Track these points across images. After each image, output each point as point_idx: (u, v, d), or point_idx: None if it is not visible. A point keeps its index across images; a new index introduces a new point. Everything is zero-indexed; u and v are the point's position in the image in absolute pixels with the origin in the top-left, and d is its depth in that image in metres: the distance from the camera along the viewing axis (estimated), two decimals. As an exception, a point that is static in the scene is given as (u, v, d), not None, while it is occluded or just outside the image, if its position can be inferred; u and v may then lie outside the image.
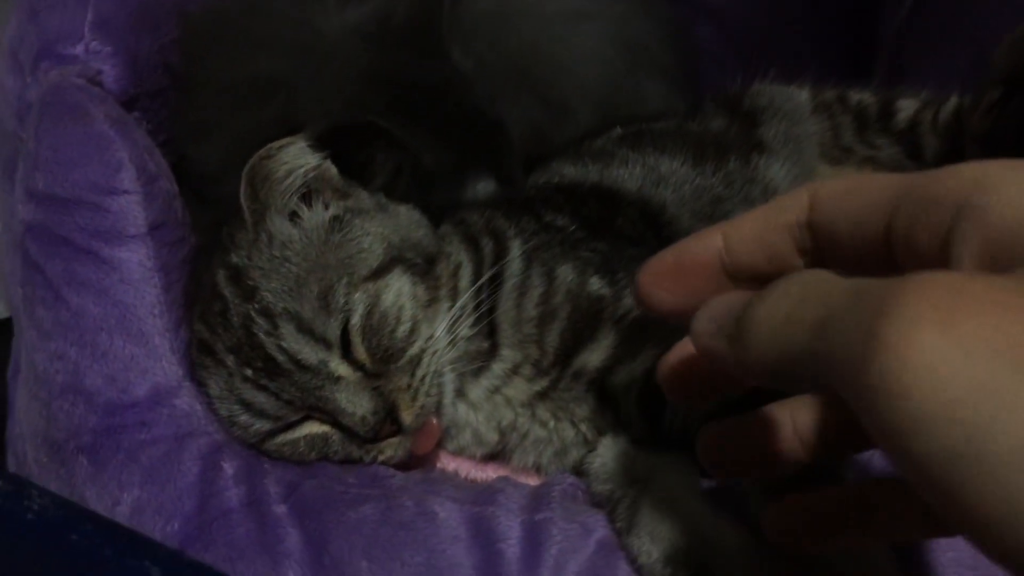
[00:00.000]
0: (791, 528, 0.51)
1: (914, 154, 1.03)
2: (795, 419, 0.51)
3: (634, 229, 0.88)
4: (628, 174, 0.95)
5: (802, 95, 1.09)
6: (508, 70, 1.01)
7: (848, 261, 0.42)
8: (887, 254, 0.41)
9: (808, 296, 0.37)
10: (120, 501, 0.69)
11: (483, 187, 0.94)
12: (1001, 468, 0.29)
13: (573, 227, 0.86)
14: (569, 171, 0.98)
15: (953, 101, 1.01)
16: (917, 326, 0.31)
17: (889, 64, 1.22)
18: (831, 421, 0.50)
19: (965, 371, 0.30)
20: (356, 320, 0.73)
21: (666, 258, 0.49)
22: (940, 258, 0.38)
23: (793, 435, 0.50)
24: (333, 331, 0.72)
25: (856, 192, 0.43)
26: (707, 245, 0.47)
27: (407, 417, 0.74)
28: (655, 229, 0.89)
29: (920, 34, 1.17)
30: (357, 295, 0.74)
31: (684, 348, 0.51)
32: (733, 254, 0.46)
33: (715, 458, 0.53)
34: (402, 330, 0.75)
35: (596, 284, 0.80)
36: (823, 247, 0.44)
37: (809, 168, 1.01)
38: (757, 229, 0.46)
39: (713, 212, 0.91)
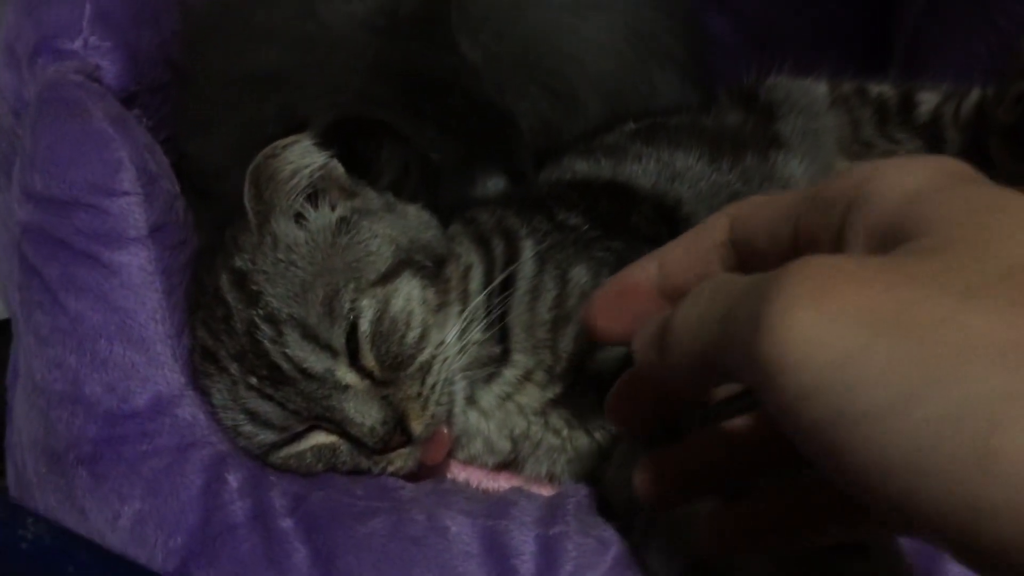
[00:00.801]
0: (732, 532, 0.52)
1: (936, 148, 1.00)
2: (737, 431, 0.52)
3: (649, 227, 0.86)
4: (642, 170, 0.92)
5: (820, 88, 1.06)
6: (516, 61, 0.99)
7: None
8: None
9: (716, 296, 0.41)
10: (121, 514, 0.67)
11: (493, 184, 0.91)
12: (869, 425, 0.31)
13: (587, 226, 0.83)
14: (581, 167, 0.95)
15: (975, 93, 0.98)
16: (794, 304, 0.34)
17: (906, 54, 1.19)
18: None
19: (835, 341, 0.33)
20: (365, 327, 0.71)
21: (609, 288, 0.53)
22: (838, 251, 0.41)
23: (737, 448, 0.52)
24: (339, 338, 0.70)
25: (767, 206, 0.47)
26: (644, 272, 0.51)
27: (417, 427, 0.71)
28: (671, 227, 0.86)
29: (939, 22, 1.14)
30: (365, 301, 0.71)
31: (626, 378, 0.55)
32: (667, 278, 0.50)
33: (659, 483, 0.54)
34: (412, 336, 0.73)
35: None
36: (746, 261, 0.48)
37: (827, 164, 0.98)
38: (687, 252, 0.50)
39: (731, 209, 0.89)
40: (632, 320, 0.50)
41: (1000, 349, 0.30)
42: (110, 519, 0.67)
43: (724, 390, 0.54)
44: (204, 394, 0.74)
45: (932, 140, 1.00)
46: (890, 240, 0.38)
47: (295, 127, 0.76)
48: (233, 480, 0.70)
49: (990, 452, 0.29)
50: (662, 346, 0.44)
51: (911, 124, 1.01)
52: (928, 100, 1.01)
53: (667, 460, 0.54)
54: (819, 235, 0.43)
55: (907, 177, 0.40)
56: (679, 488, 0.54)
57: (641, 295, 0.51)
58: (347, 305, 0.70)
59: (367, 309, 0.71)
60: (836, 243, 0.41)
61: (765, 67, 1.10)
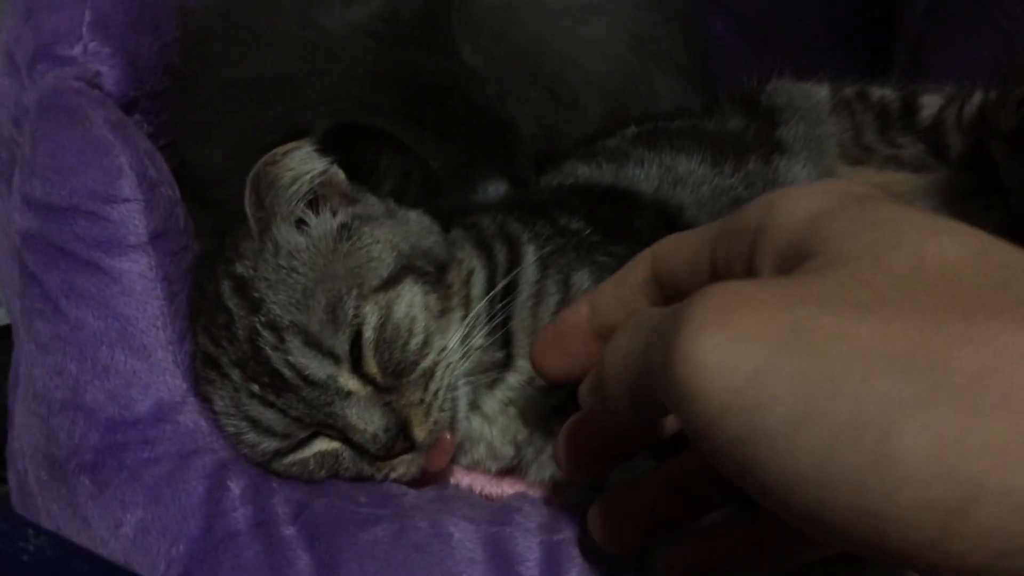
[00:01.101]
0: (701, 566, 0.54)
1: (938, 152, 0.99)
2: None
3: (652, 232, 0.85)
4: (644, 174, 0.92)
5: (821, 93, 1.05)
6: (516, 65, 0.98)
7: None
8: None
9: (636, 330, 0.43)
10: (123, 523, 0.67)
11: (494, 189, 0.91)
12: (776, 442, 0.33)
13: (588, 231, 0.83)
14: (583, 172, 0.95)
15: (978, 97, 0.98)
16: (700, 331, 0.36)
17: (909, 56, 1.19)
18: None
19: (739, 362, 0.34)
20: (369, 334, 0.71)
21: (549, 331, 0.56)
22: (750, 278, 0.43)
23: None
24: (342, 345, 0.70)
25: (684, 242, 0.49)
26: (578, 314, 0.54)
27: (420, 433, 0.71)
28: (673, 232, 0.86)
29: (941, 24, 1.14)
30: (368, 307, 0.71)
31: (570, 426, 0.57)
32: (598, 317, 0.53)
33: (616, 529, 0.57)
34: (415, 343, 0.72)
35: None
36: (670, 296, 0.50)
37: (829, 170, 0.98)
38: (614, 292, 0.52)
39: (734, 214, 0.88)
40: (572, 360, 0.54)
41: (891, 358, 0.32)
42: (112, 527, 0.67)
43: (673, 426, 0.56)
44: (206, 401, 0.73)
45: (934, 144, 1.00)
46: (793, 261, 0.40)
47: (295, 134, 0.76)
48: (235, 487, 0.69)
49: (887, 459, 0.30)
50: (598, 386, 0.47)
51: (913, 128, 1.01)
52: (930, 104, 1.01)
53: (618, 505, 0.56)
54: (733, 265, 0.44)
55: (806, 201, 0.41)
56: (638, 531, 0.56)
57: (577, 336, 0.53)
58: (351, 312, 0.70)
59: (370, 316, 0.71)
60: (748, 271, 0.43)
61: (766, 70, 1.10)
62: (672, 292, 0.50)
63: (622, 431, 0.56)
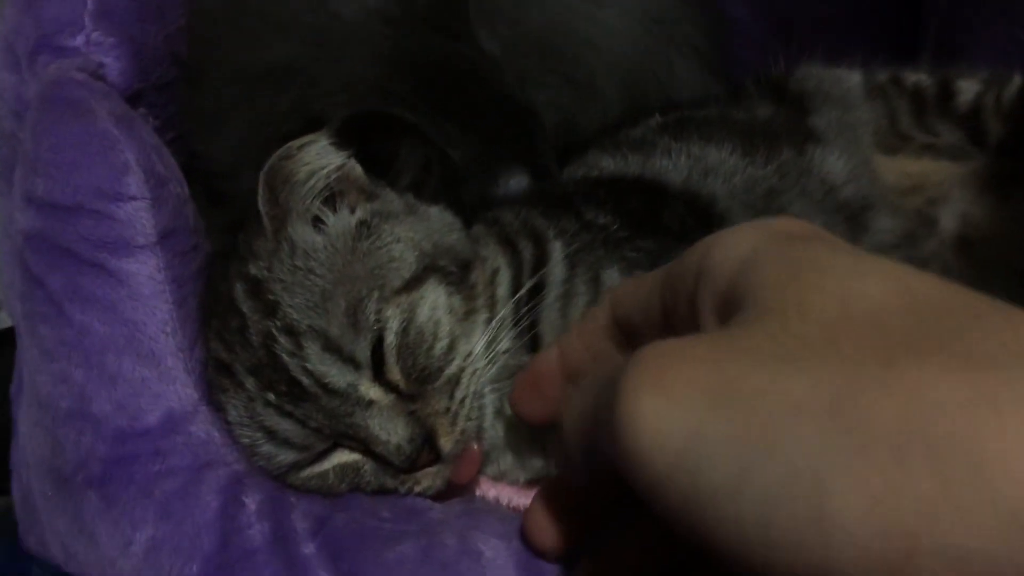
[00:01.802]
0: None
1: (977, 140, 0.95)
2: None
3: (682, 226, 0.82)
4: (672, 165, 0.88)
5: (853, 78, 1.01)
6: (533, 49, 0.95)
7: None
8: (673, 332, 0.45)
9: (590, 388, 0.43)
10: (133, 540, 0.63)
11: (516, 182, 0.87)
12: (718, 502, 0.33)
13: (616, 225, 0.79)
14: (607, 163, 0.91)
15: (1017, 80, 0.94)
16: (637, 394, 0.36)
17: (937, 37, 1.15)
18: None
19: (676, 425, 0.34)
20: (391, 339, 0.67)
21: (524, 377, 0.58)
22: (695, 323, 0.43)
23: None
24: (363, 350, 0.66)
25: (637, 285, 0.50)
26: (549, 360, 0.56)
27: (447, 444, 0.67)
28: (706, 225, 0.82)
29: (975, 3, 1.10)
30: (390, 310, 0.67)
31: (541, 493, 0.57)
32: (566, 360, 0.54)
33: None
34: (439, 347, 0.69)
35: None
36: (630, 338, 0.51)
37: (865, 160, 0.94)
38: (579, 337, 0.54)
39: (767, 206, 0.84)
40: (548, 404, 0.55)
41: (817, 412, 0.32)
42: (121, 545, 0.64)
43: None
44: (219, 410, 0.70)
45: (972, 131, 0.96)
46: (728, 310, 0.40)
47: (310, 125, 0.72)
48: (251, 502, 0.66)
49: (823, 517, 0.30)
50: (560, 442, 0.47)
51: (950, 114, 0.97)
52: (967, 89, 0.97)
53: (604, 566, 0.55)
54: (679, 308, 0.45)
55: (739, 245, 0.42)
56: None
57: (550, 380, 0.55)
58: (372, 316, 0.67)
59: (392, 320, 0.67)
60: (692, 315, 0.44)
61: (791, 55, 1.06)
62: (631, 335, 0.51)
63: (593, 495, 0.55)
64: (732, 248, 0.42)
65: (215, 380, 0.70)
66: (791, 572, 0.32)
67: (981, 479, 0.29)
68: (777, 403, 0.33)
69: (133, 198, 0.69)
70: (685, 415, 0.35)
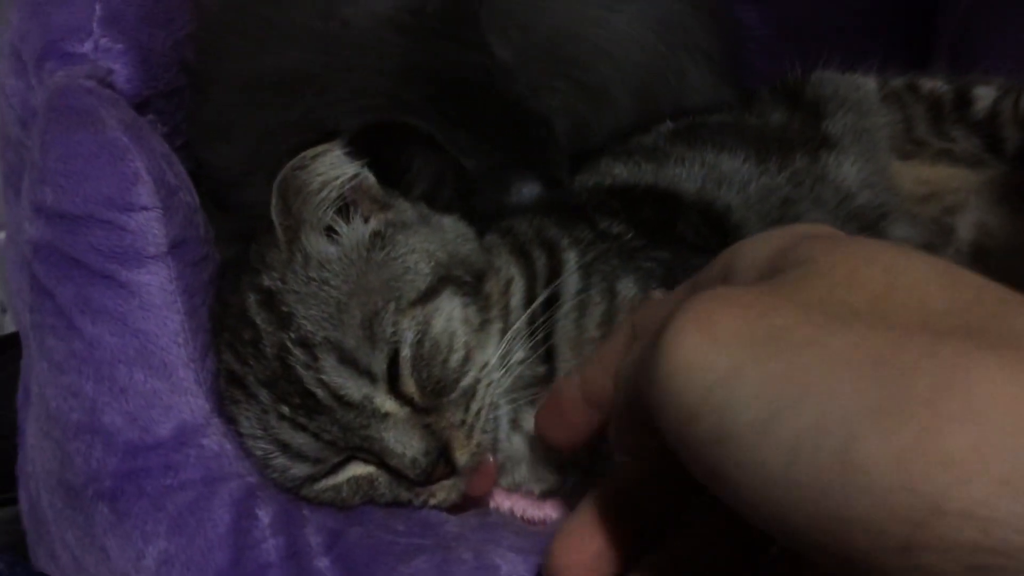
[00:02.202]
0: None
1: (994, 147, 0.94)
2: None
3: (697, 235, 0.81)
4: (686, 174, 0.87)
5: (868, 84, 1.00)
6: (544, 55, 0.94)
7: None
8: None
9: (639, 340, 0.45)
10: (145, 554, 0.62)
11: (528, 191, 0.86)
12: (745, 441, 0.33)
13: (630, 234, 0.79)
14: (620, 171, 0.90)
15: (1035, 88, 0.93)
16: (682, 332, 0.37)
17: (953, 46, 1.14)
18: None
19: (715, 363, 0.35)
20: (406, 351, 0.66)
21: (550, 401, 0.57)
22: None
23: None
24: (380, 363, 0.65)
25: (662, 302, 0.51)
26: (571, 384, 0.55)
27: (462, 457, 0.66)
28: (721, 235, 0.81)
29: (990, 9, 1.09)
30: (406, 322, 0.66)
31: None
32: (588, 385, 0.53)
33: None
34: (455, 359, 0.68)
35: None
36: None
37: (882, 167, 0.93)
38: (600, 359, 0.53)
39: (782, 216, 0.84)
40: (574, 430, 0.55)
41: (857, 366, 0.32)
42: (133, 559, 0.63)
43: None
44: (231, 422, 0.69)
45: (989, 138, 0.95)
46: (767, 278, 0.41)
47: (324, 136, 0.71)
48: (264, 516, 0.65)
49: (851, 463, 0.30)
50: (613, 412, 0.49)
51: (967, 121, 0.96)
52: (985, 95, 0.96)
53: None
54: None
55: (768, 242, 0.43)
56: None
57: (574, 406, 0.54)
58: (389, 329, 0.66)
59: (408, 332, 0.66)
60: None
61: (805, 61, 1.05)
62: None
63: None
64: (762, 245, 0.43)
65: (227, 392, 0.69)
66: (812, 516, 0.32)
67: (1017, 448, 0.29)
68: (819, 352, 0.33)
69: (144, 208, 0.68)
70: (724, 355, 0.35)
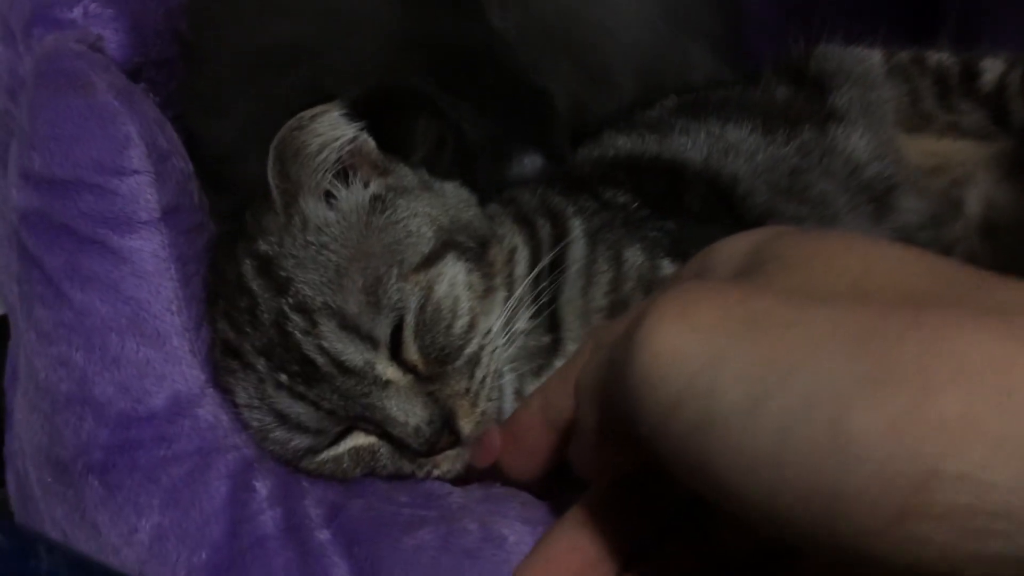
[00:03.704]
0: None
1: (1001, 120, 0.93)
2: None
3: (704, 205, 0.79)
4: (691, 143, 0.86)
5: (874, 57, 0.99)
6: (544, 35, 0.93)
7: None
8: None
9: (606, 348, 0.43)
10: (138, 528, 0.60)
11: (529, 162, 0.85)
12: (731, 425, 0.33)
13: (636, 204, 0.77)
14: (624, 143, 0.89)
15: (1042, 61, 0.92)
16: (661, 321, 0.36)
17: (957, 23, 1.13)
18: None
19: (697, 350, 0.35)
20: (410, 317, 0.64)
21: (506, 431, 0.58)
22: None
23: None
24: (384, 329, 0.63)
25: (622, 318, 0.50)
26: (531, 409, 0.55)
27: (467, 426, 0.64)
28: (728, 205, 0.80)
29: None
30: (408, 287, 0.64)
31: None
32: (551, 409, 0.53)
33: None
34: (460, 325, 0.66)
35: (668, 267, 0.73)
36: None
37: (887, 138, 0.91)
38: (563, 378, 0.52)
39: (792, 185, 0.82)
40: (530, 459, 0.55)
41: (844, 339, 0.32)
42: (126, 534, 0.61)
43: None
44: (227, 393, 0.66)
45: (996, 111, 0.94)
46: (744, 273, 0.41)
47: (322, 98, 0.69)
48: (261, 488, 0.63)
49: (843, 434, 0.30)
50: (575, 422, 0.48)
51: (974, 94, 0.95)
52: (992, 68, 0.95)
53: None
54: None
55: (742, 241, 0.44)
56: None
57: (534, 432, 0.54)
58: (395, 295, 0.64)
59: (411, 297, 0.64)
60: None
61: (810, 38, 1.03)
62: None
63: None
64: (737, 244, 0.44)
65: (223, 362, 0.67)
66: (801, 496, 0.31)
67: (1011, 409, 0.28)
68: (803, 331, 0.33)
69: (136, 172, 0.66)
70: (706, 340, 0.35)
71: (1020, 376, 0.29)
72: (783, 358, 0.33)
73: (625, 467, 0.47)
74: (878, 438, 0.29)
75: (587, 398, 0.45)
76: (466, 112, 0.78)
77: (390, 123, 0.75)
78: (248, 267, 0.66)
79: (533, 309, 0.70)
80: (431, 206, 0.70)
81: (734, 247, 0.44)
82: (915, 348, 0.30)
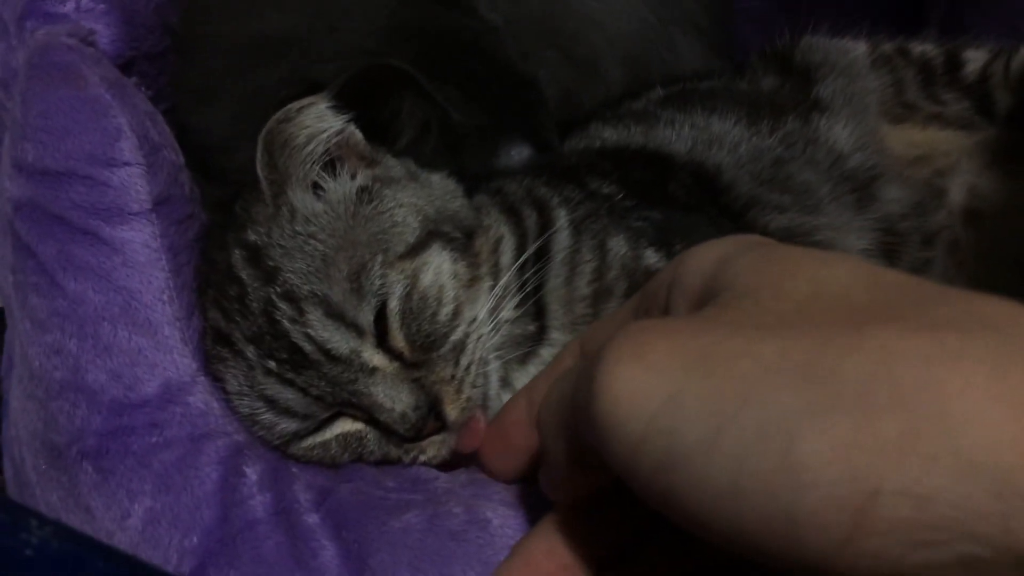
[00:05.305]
0: None
1: (984, 109, 0.94)
2: None
3: (688, 196, 0.80)
4: (676, 135, 0.86)
5: (858, 48, 1.00)
6: (533, 25, 0.94)
7: None
8: None
9: (566, 378, 0.45)
10: (130, 513, 0.61)
11: (517, 153, 0.86)
12: (692, 460, 0.34)
13: (621, 195, 0.78)
14: (610, 135, 0.90)
15: (1024, 51, 0.93)
16: (618, 364, 0.37)
17: (943, 15, 1.13)
18: None
19: (654, 389, 0.36)
20: (394, 303, 0.65)
21: (492, 428, 0.59)
22: None
23: None
24: (366, 316, 0.64)
25: (609, 320, 0.54)
26: (517, 407, 0.56)
27: (452, 412, 0.66)
28: (712, 195, 0.81)
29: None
30: (393, 275, 0.65)
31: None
32: (535, 408, 0.53)
33: None
34: (445, 313, 0.67)
35: (652, 257, 0.73)
36: None
37: (871, 128, 0.92)
38: (547, 380, 0.53)
39: (775, 175, 0.83)
40: (514, 456, 0.57)
41: (790, 370, 0.33)
42: (118, 518, 0.62)
43: None
44: (217, 380, 0.68)
45: (980, 101, 0.95)
46: (703, 302, 0.42)
47: (309, 88, 0.70)
48: (252, 473, 0.64)
49: (793, 464, 0.32)
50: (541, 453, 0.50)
51: (958, 84, 0.96)
52: (976, 58, 0.96)
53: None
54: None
55: (710, 252, 0.45)
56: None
57: (519, 430, 0.55)
58: (377, 281, 0.65)
59: (396, 284, 0.65)
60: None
61: (796, 29, 1.04)
62: None
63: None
64: (704, 255, 0.45)
65: (213, 350, 0.68)
66: (759, 525, 0.33)
67: (944, 427, 0.30)
68: (751, 364, 0.34)
69: (127, 164, 0.67)
70: (662, 380, 0.36)
71: (950, 396, 0.31)
72: (734, 391, 0.34)
73: (599, 483, 0.48)
74: (825, 464, 0.31)
75: (551, 433, 0.46)
76: (453, 96, 0.79)
77: (375, 107, 0.76)
78: (238, 256, 0.67)
79: (518, 298, 0.71)
80: (417, 196, 0.71)
81: (703, 258, 0.45)
82: (855, 374, 0.32)
